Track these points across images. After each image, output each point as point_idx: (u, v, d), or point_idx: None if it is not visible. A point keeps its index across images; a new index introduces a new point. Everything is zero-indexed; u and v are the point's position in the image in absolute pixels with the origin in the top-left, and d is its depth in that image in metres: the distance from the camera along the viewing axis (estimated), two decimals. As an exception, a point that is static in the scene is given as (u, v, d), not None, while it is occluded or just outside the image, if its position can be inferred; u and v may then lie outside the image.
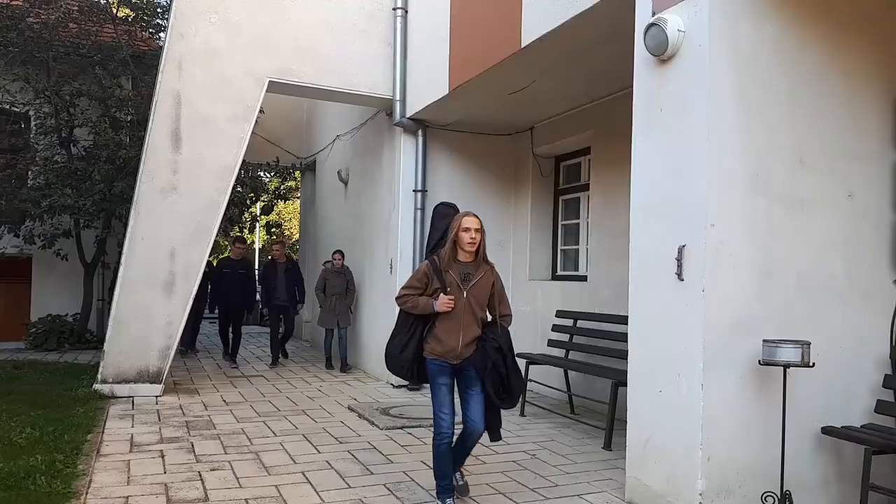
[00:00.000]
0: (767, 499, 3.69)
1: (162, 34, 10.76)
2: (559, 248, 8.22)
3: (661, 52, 3.90)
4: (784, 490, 3.66)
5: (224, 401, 6.89)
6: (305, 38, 7.59)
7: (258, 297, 10.78)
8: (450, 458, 3.88)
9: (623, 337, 4.93)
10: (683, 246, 3.78)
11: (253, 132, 7.52)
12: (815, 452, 3.96)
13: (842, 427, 3.89)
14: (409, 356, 3.95)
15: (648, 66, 4.07)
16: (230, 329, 9.59)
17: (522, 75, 6.25)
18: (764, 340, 3.66)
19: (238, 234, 12.34)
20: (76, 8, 10.12)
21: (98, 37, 10.24)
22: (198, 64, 7.18)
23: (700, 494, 3.62)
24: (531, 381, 6.88)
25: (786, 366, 3.57)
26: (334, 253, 9.20)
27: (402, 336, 3.99)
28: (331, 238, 10.84)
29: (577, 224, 7.93)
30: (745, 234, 3.77)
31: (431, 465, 3.95)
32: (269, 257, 9.99)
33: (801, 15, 3.95)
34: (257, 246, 26.01)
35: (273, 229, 15.03)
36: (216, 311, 9.99)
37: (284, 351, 9.96)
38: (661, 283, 3.91)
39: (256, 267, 13.44)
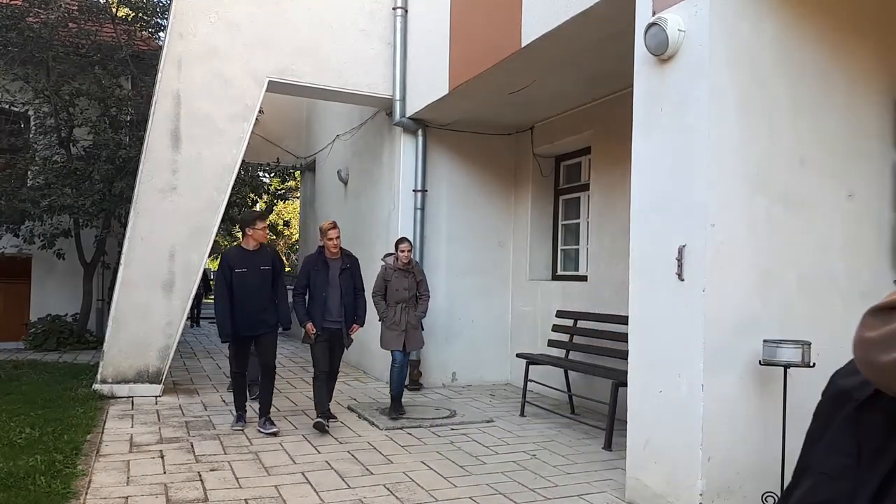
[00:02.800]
0: (768, 499, 3.68)
1: (161, 34, 10.76)
2: (559, 248, 8.21)
3: (662, 52, 3.89)
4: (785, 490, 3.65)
5: (223, 401, 6.88)
6: (305, 38, 7.59)
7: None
8: None
9: (623, 337, 4.93)
10: (684, 246, 3.77)
11: (253, 132, 7.52)
12: (816, 453, 3.94)
13: (842, 427, 3.87)
14: None
15: (649, 65, 4.07)
16: (251, 368, 6.01)
17: (522, 75, 6.25)
18: (764, 340, 3.66)
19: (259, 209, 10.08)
20: (76, 7, 10.13)
21: (97, 36, 10.24)
22: (197, 63, 7.17)
23: (700, 495, 3.62)
24: (531, 381, 6.88)
25: (786, 366, 3.57)
26: (399, 242, 6.40)
27: None
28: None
29: (577, 224, 7.93)
30: (745, 234, 3.77)
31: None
32: (318, 248, 5.93)
33: (801, 14, 3.94)
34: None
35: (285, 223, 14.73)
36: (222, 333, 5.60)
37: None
38: (662, 283, 3.91)
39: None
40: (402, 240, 6.49)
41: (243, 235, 5.71)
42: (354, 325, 5.93)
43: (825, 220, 4.02)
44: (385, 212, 8.45)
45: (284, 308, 5.78)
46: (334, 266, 5.82)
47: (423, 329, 6.56)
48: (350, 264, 5.91)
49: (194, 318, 15.77)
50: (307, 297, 5.79)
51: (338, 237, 5.81)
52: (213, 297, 6.43)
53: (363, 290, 6.03)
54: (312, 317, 5.72)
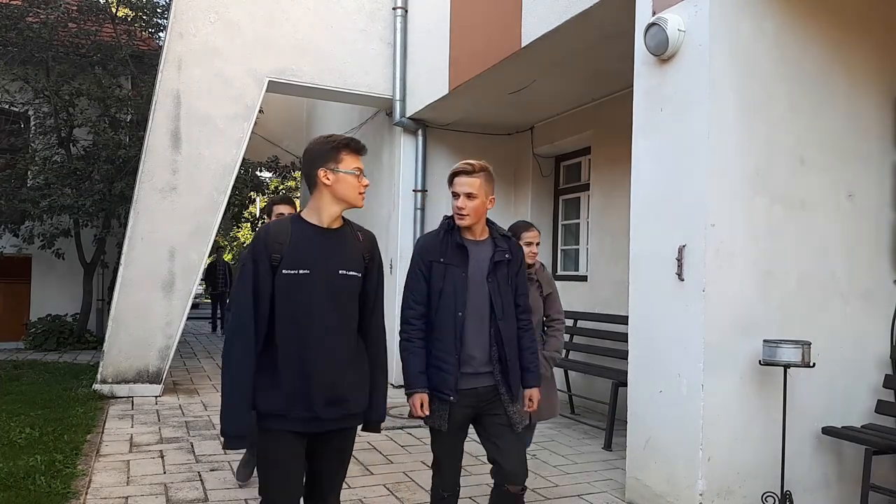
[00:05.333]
0: (768, 499, 3.68)
1: (161, 34, 10.76)
2: (559, 248, 8.22)
3: (662, 52, 3.89)
4: (784, 490, 3.66)
5: (224, 401, 6.89)
6: (305, 38, 7.58)
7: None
8: None
9: (623, 337, 4.93)
10: (684, 246, 3.77)
11: (252, 132, 7.52)
12: (816, 453, 3.95)
13: (842, 427, 3.88)
14: None
15: (649, 65, 4.07)
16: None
17: (522, 75, 6.24)
18: (764, 340, 3.66)
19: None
20: (75, 7, 10.13)
21: (97, 36, 10.24)
22: (197, 63, 7.17)
23: (700, 495, 3.62)
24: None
25: (786, 366, 3.57)
26: (525, 229, 3.87)
27: None
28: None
29: (577, 224, 7.93)
30: (745, 234, 3.76)
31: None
32: (445, 221, 2.93)
33: (801, 14, 3.94)
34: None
35: None
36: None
37: None
38: (662, 283, 3.91)
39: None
40: (528, 225, 3.87)
41: None
42: (531, 391, 2.97)
43: (825, 220, 4.02)
44: (385, 212, 8.44)
45: (382, 372, 2.57)
46: (479, 254, 2.85)
47: (552, 381, 3.81)
48: (510, 254, 2.90)
49: (218, 320, 13.94)
50: (424, 323, 2.83)
51: (472, 194, 2.79)
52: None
53: (528, 311, 2.99)
54: (436, 371, 2.78)
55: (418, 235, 7.91)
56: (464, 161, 2.89)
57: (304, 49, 7.57)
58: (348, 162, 2.43)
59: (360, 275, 2.48)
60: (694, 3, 3.77)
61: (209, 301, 15.72)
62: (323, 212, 2.44)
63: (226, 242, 14.63)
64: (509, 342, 2.85)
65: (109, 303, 7.73)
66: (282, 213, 3.76)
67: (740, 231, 3.75)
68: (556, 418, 6.42)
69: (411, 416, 2.85)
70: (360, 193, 2.47)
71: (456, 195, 2.83)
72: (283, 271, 2.34)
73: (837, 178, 4.07)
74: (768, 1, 3.85)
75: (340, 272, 2.42)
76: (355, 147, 2.46)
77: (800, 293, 3.92)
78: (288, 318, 2.33)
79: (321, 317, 2.35)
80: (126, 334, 7.00)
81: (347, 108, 9.49)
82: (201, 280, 10.87)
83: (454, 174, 2.87)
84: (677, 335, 3.80)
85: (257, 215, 14.88)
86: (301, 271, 2.35)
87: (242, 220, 12.93)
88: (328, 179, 2.41)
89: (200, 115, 7.16)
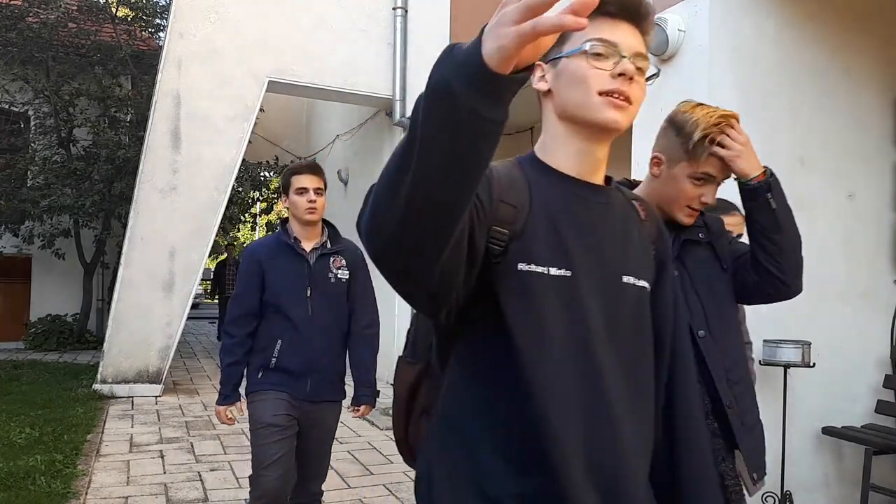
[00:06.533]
0: (768, 499, 3.68)
1: (161, 34, 10.77)
2: (559, 247, 8.21)
3: (662, 52, 3.89)
4: (784, 490, 3.65)
5: (224, 401, 6.90)
6: (305, 38, 7.58)
7: None
8: None
9: (623, 337, 4.93)
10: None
11: (252, 132, 7.52)
12: (816, 453, 3.95)
13: (842, 427, 3.88)
14: None
15: (648, 65, 4.06)
16: None
17: (522, 75, 6.25)
18: (764, 340, 3.65)
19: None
20: (75, 7, 10.14)
21: (97, 36, 10.25)
22: (197, 63, 7.17)
23: (700, 495, 3.61)
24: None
25: (786, 366, 3.57)
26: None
27: None
28: (330, 238, 10.82)
29: (577, 224, 7.93)
30: (745, 234, 3.76)
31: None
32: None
33: (801, 13, 3.94)
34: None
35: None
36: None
37: None
38: (662, 283, 3.90)
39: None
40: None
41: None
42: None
43: (825, 221, 4.02)
44: (385, 212, 8.44)
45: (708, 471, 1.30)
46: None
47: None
48: (706, 232, 1.97)
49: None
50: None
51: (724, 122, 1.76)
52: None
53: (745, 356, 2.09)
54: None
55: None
56: (721, 114, 1.68)
57: (304, 49, 7.57)
58: (577, 36, 1.17)
59: (649, 286, 1.23)
60: (694, 3, 3.76)
61: (214, 301, 15.57)
62: (558, 151, 1.22)
63: (225, 242, 14.58)
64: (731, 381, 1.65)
65: (109, 303, 7.73)
66: (304, 188, 2.75)
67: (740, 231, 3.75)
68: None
69: None
70: (613, 96, 1.18)
71: (703, 180, 1.69)
72: (520, 266, 1.09)
73: (837, 178, 4.06)
74: (768, 0, 3.85)
75: (624, 279, 1.18)
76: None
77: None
78: (520, 368, 1.07)
79: (600, 366, 1.11)
80: (126, 334, 7.00)
81: (347, 108, 9.49)
82: (202, 280, 10.86)
83: (705, 151, 1.64)
84: (677, 335, 3.79)
85: (257, 214, 14.83)
86: (553, 270, 1.10)
87: (242, 222, 12.91)
88: (545, 81, 1.21)
89: (200, 115, 7.16)
